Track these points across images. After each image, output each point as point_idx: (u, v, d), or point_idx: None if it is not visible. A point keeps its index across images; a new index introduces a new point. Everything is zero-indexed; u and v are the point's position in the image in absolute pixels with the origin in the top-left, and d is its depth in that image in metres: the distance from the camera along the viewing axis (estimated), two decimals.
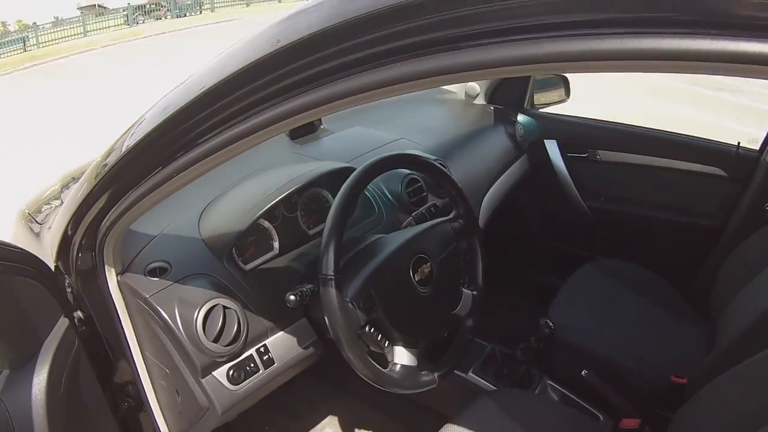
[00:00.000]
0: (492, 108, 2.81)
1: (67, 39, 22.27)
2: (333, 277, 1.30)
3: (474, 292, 1.68)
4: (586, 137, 2.70)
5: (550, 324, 1.89)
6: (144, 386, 1.49)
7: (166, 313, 1.35)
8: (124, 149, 1.07)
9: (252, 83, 0.81)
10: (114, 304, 1.37)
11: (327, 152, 2.09)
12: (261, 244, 1.62)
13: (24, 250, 1.33)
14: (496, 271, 1.75)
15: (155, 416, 1.52)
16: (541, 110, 2.89)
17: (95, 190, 1.17)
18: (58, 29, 23.37)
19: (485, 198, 2.26)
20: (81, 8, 33.01)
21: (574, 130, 2.75)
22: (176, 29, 22.57)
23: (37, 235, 1.79)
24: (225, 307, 1.39)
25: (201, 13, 27.69)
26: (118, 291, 1.38)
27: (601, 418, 1.82)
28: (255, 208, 1.54)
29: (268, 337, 1.50)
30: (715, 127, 6.14)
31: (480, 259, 1.72)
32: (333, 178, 1.72)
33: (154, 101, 1.06)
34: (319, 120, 2.20)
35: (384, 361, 1.45)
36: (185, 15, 27.45)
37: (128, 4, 26.58)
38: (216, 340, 1.37)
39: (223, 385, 1.42)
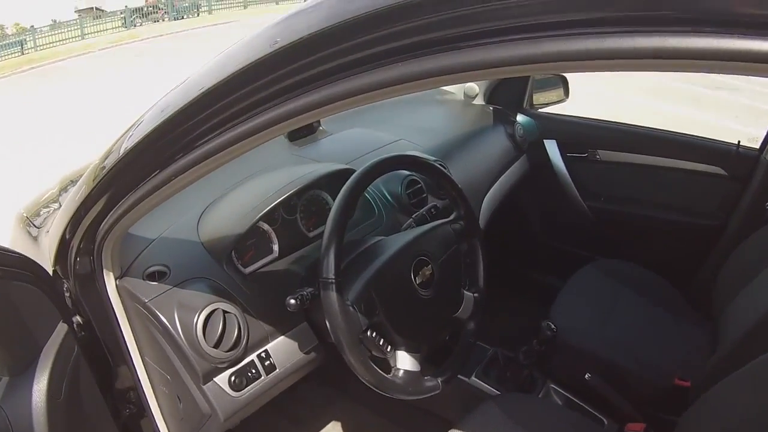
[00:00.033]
0: (491, 108, 2.80)
1: (64, 42, 22.22)
2: (334, 280, 1.29)
3: (475, 295, 1.67)
4: (586, 137, 2.70)
5: (552, 326, 1.87)
6: (145, 392, 1.47)
7: (165, 317, 1.34)
8: (122, 151, 1.06)
9: (250, 84, 0.80)
10: (113, 308, 1.36)
11: (326, 154, 2.09)
12: (260, 247, 1.61)
13: (21, 254, 1.31)
14: (496, 271, 1.74)
15: (157, 423, 1.51)
16: (540, 110, 2.88)
17: (93, 193, 1.16)
18: (56, 32, 23.31)
19: (485, 199, 2.25)
20: (78, 11, 32.95)
21: (574, 130, 2.74)
22: (174, 32, 22.57)
23: (35, 238, 1.78)
24: (225, 312, 1.38)
25: (198, 15, 27.64)
26: (117, 295, 1.36)
27: (605, 422, 1.81)
28: (254, 211, 1.53)
29: (269, 342, 1.49)
30: (714, 126, 6.13)
31: (481, 261, 1.71)
32: (332, 180, 1.71)
33: (152, 102, 1.05)
34: (318, 121, 2.18)
35: (387, 366, 1.44)
36: (182, 17, 27.39)
37: (125, 6, 26.54)
38: (216, 346, 1.36)
39: (225, 391, 1.41)
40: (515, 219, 2.92)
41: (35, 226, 1.86)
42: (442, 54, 0.63)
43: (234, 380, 1.41)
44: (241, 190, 1.67)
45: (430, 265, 1.51)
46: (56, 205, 1.91)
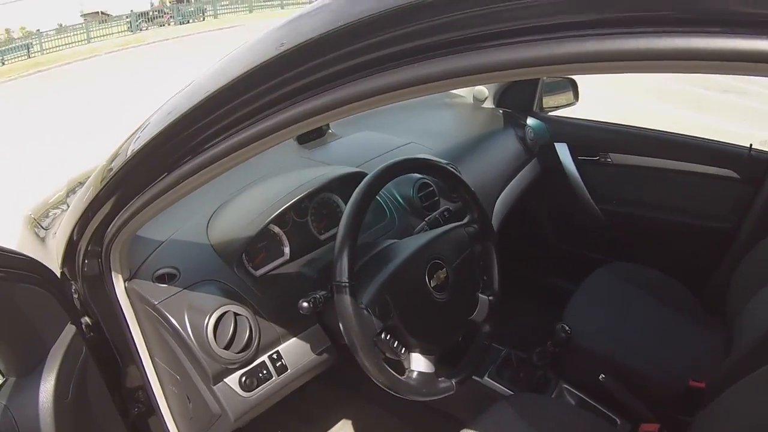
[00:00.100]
0: (501, 111, 2.78)
1: (70, 45, 22.42)
2: (347, 283, 1.27)
3: (490, 298, 1.65)
4: (597, 140, 2.68)
5: (567, 328, 1.87)
6: (154, 392, 1.47)
7: (175, 320, 1.33)
8: (129, 154, 1.05)
9: (256, 88, 0.79)
10: (122, 310, 1.36)
11: (336, 157, 2.07)
12: (271, 250, 1.60)
13: (28, 257, 1.31)
14: (509, 274, 1.72)
15: (166, 422, 1.51)
16: (550, 113, 2.86)
17: (100, 195, 1.15)
18: (62, 36, 23.51)
19: (497, 202, 2.24)
20: (84, 15, 33.19)
21: (584, 133, 2.72)
22: (179, 36, 22.71)
23: (43, 240, 1.77)
24: (236, 314, 1.37)
25: (204, 19, 27.80)
26: (126, 297, 1.36)
27: (619, 422, 1.79)
28: (265, 214, 1.52)
29: (280, 344, 1.48)
30: (724, 130, 6.08)
31: (495, 264, 1.69)
32: (343, 183, 1.70)
33: (158, 105, 1.05)
34: (327, 124, 2.17)
35: (400, 368, 1.43)
36: (188, 21, 27.57)
37: (131, 11, 26.73)
38: (227, 347, 1.35)
39: (236, 392, 1.40)
40: (527, 222, 2.91)
41: (43, 228, 1.85)
42: (450, 57, 0.62)
43: (245, 381, 1.40)
44: (250, 193, 1.66)
45: (444, 269, 1.49)
46: (64, 207, 1.90)
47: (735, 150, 2.32)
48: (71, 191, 2.02)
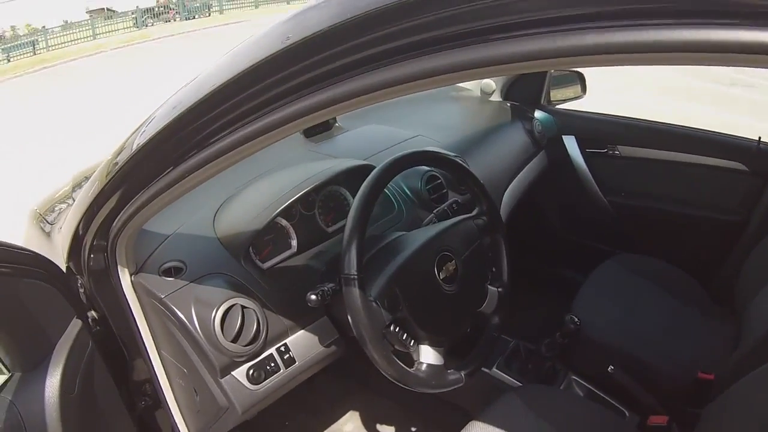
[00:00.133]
0: (508, 105, 2.78)
1: (76, 42, 22.46)
2: (356, 276, 1.26)
3: (500, 289, 1.65)
4: (605, 133, 2.67)
5: (576, 320, 1.86)
6: (161, 385, 1.47)
7: (182, 313, 1.33)
8: (134, 148, 1.05)
9: (262, 81, 0.78)
10: (128, 304, 1.36)
11: (343, 150, 2.07)
12: (278, 243, 1.59)
13: (33, 252, 1.31)
14: (517, 266, 1.72)
15: (173, 415, 1.51)
16: (557, 107, 2.85)
17: (106, 189, 1.15)
18: (67, 33, 23.55)
19: (505, 194, 2.23)
20: (90, 12, 33.21)
21: (592, 126, 2.71)
22: (185, 31, 22.74)
23: (48, 235, 1.77)
24: (243, 307, 1.37)
25: (209, 15, 27.83)
26: (132, 291, 1.36)
27: (627, 413, 1.80)
28: (272, 207, 1.51)
29: (288, 336, 1.48)
30: (731, 123, 6.05)
31: (505, 256, 1.68)
32: (351, 176, 1.70)
33: (164, 99, 1.04)
34: (334, 118, 2.16)
35: (409, 360, 1.42)
36: (194, 17, 27.61)
37: (137, 7, 26.79)
38: (235, 340, 1.34)
39: (243, 384, 1.39)
40: (535, 215, 2.91)
41: (48, 223, 1.85)
42: (458, 50, 0.61)
43: (252, 374, 1.40)
44: (257, 186, 1.66)
45: (453, 261, 1.49)
46: (70, 201, 1.90)
47: (744, 142, 2.31)
48: (77, 186, 2.02)
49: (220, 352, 1.33)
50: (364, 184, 1.39)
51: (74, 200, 1.63)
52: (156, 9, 28.44)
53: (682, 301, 2.03)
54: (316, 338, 1.52)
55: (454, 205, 1.90)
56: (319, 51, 0.71)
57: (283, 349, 1.45)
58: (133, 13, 26.51)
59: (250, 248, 1.50)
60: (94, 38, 23.11)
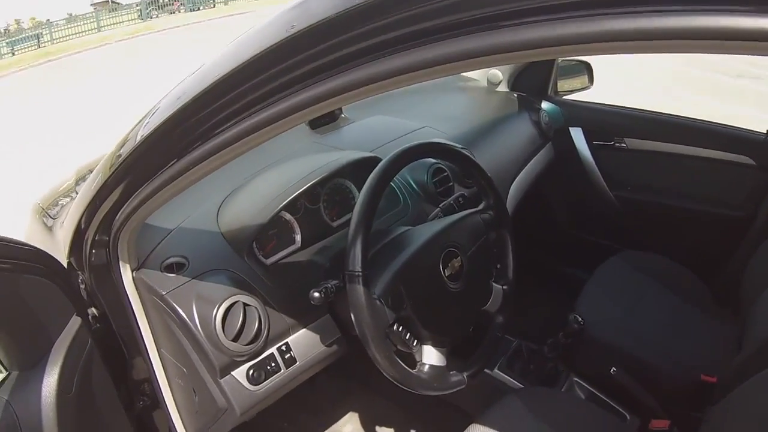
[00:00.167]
0: (515, 95, 2.75)
1: (80, 35, 22.51)
2: (361, 273, 1.24)
3: (504, 287, 1.63)
4: (612, 125, 2.64)
5: (580, 319, 1.83)
6: (160, 385, 1.46)
7: (183, 310, 1.31)
8: (138, 139, 1.03)
9: (266, 71, 0.76)
10: (129, 301, 1.34)
11: (349, 142, 2.04)
12: (282, 238, 1.57)
13: (34, 247, 1.30)
14: (522, 262, 1.70)
15: (171, 415, 1.50)
16: (564, 98, 2.82)
17: (109, 182, 1.13)
18: (72, 25, 23.59)
19: (511, 187, 2.21)
20: (94, 4, 33.32)
21: (600, 118, 2.68)
22: (190, 23, 22.73)
23: (50, 229, 1.76)
24: (245, 304, 1.35)
25: (214, 6, 27.85)
26: (134, 287, 1.34)
27: (628, 417, 1.78)
28: (276, 200, 1.49)
29: (290, 335, 1.46)
30: (739, 116, 6.02)
31: (510, 252, 1.66)
32: (357, 169, 1.67)
33: (168, 89, 1.02)
34: (340, 109, 2.14)
35: (411, 360, 1.40)
36: (198, 8, 27.63)
37: None
38: (236, 339, 1.33)
39: (243, 385, 1.38)
40: (540, 208, 2.88)
41: (51, 217, 1.84)
42: (466, 37, 0.59)
43: (252, 374, 1.38)
44: (262, 179, 1.64)
45: (459, 257, 1.46)
46: (73, 195, 1.89)
47: (751, 135, 2.29)
48: (81, 179, 2.01)
49: (221, 351, 1.31)
50: (371, 176, 1.36)
51: (77, 194, 1.62)
52: (160, 1, 28.44)
53: (687, 300, 2.01)
54: (318, 337, 1.50)
55: (460, 199, 1.88)
56: (324, 39, 0.69)
57: (284, 348, 1.44)
58: (137, 5, 26.57)
59: (254, 243, 1.48)
60: (99, 31, 23.17)
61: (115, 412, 1.48)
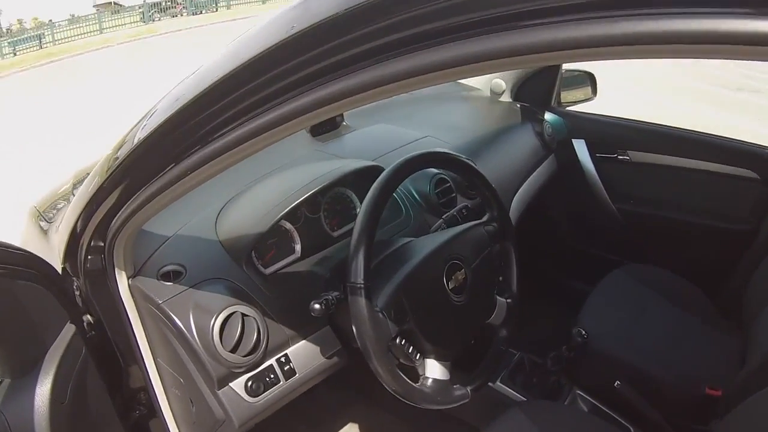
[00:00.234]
0: (518, 105, 2.73)
1: (83, 36, 22.55)
2: (363, 285, 1.22)
3: (508, 300, 1.61)
4: (615, 137, 2.63)
5: (583, 333, 1.84)
6: (156, 394, 1.44)
7: (180, 320, 1.29)
8: (135, 142, 1.01)
9: (265, 73, 0.75)
10: (125, 309, 1.32)
11: (350, 150, 2.03)
12: (282, 247, 1.55)
13: (27, 252, 1.28)
14: (525, 274, 1.68)
15: (168, 425, 1.48)
16: (568, 108, 2.80)
17: (105, 185, 1.11)
18: (74, 27, 23.63)
19: (514, 199, 2.19)
20: (97, 6, 33.36)
21: (603, 130, 2.67)
22: (192, 26, 22.77)
23: (46, 233, 1.74)
24: (244, 315, 1.33)
25: (217, 10, 27.85)
26: (129, 296, 1.32)
27: (632, 430, 1.76)
28: (276, 209, 1.47)
29: (289, 347, 1.44)
30: (739, 129, 6.01)
31: (514, 265, 1.65)
32: (358, 178, 1.66)
33: (166, 91, 1.00)
34: (341, 116, 2.13)
35: (414, 374, 1.37)
36: (201, 12, 27.66)
37: (144, 1, 26.87)
38: (234, 350, 1.31)
39: (241, 397, 1.35)
40: (543, 221, 2.87)
41: (47, 221, 1.82)
42: (477, 39, 0.57)
43: (251, 385, 1.36)
44: (262, 187, 1.62)
45: (463, 270, 1.44)
46: (71, 198, 1.86)
47: (755, 149, 2.28)
48: (78, 183, 1.98)
49: (218, 362, 1.29)
50: (374, 186, 1.34)
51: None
52: (163, 4, 28.49)
53: (690, 313, 2.00)
54: (318, 349, 1.48)
55: (463, 210, 1.87)
56: (326, 40, 0.67)
57: (283, 359, 1.42)
58: (140, 8, 26.63)
59: (253, 252, 1.46)
60: (101, 32, 23.18)
61: (110, 421, 1.45)
